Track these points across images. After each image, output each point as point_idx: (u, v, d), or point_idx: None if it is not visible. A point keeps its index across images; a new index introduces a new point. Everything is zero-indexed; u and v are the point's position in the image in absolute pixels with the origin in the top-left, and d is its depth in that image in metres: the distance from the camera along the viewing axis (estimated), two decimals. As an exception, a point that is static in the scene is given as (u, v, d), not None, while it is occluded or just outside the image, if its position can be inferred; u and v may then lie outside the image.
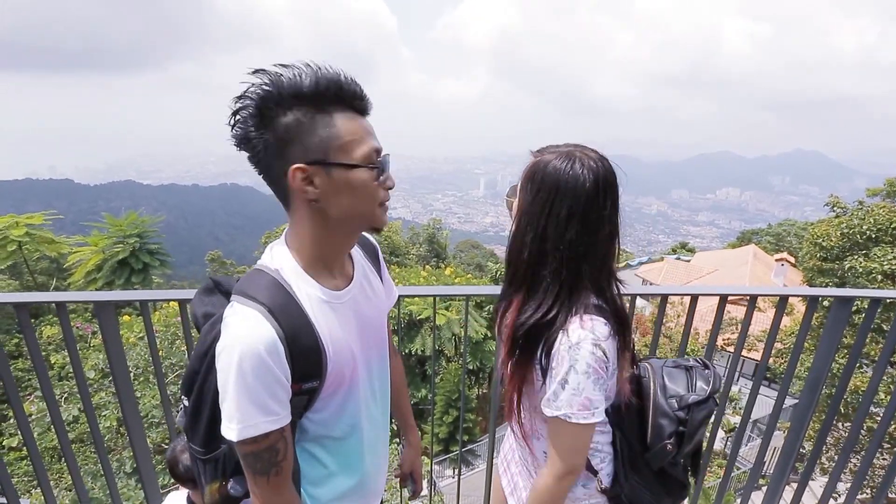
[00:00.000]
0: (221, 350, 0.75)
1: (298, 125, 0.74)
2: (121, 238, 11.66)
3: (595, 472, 1.07)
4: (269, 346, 0.74)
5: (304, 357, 0.79)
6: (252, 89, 0.73)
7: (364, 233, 1.03)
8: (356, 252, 1.00)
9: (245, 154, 0.78)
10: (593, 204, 0.89)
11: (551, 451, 0.97)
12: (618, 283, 0.99)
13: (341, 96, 0.76)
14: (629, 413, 1.07)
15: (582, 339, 0.88)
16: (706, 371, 1.11)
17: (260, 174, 0.80)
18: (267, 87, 0.73)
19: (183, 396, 0.91)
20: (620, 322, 0.94)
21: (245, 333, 0.74)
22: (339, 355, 0.85)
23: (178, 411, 1.03)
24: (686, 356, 1.19)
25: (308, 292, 0.83)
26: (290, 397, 0.80)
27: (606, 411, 1.07)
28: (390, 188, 0.85)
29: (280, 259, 0.84)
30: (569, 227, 0.89)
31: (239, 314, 0.76)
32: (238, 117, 0.75)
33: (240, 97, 0.74)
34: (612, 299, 0.96)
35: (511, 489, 1.24)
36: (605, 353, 0.90)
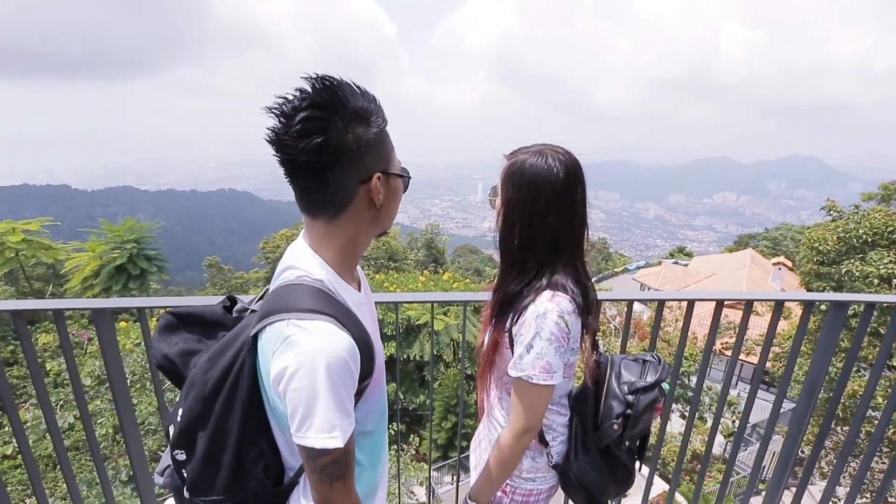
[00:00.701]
0: (301, 368, 0.72)
1: (375, 137, 0.79)
2: (118, 244, 11.63)
3: (546, 445, 1.19)
4: (351, 353, 0.76)
5: (367, 358, 0.82)
6: (319, 98, 0.72)
7: None
8: None
9: (277, 158, 0.76)
10: (566, 192, 1.01)
11: (513, 410, 1.08)
12: (586, 269, 1.10)
13: (385, 114, 0.83)
14: (586, 399, 1.21)
15: (549, 311, 1.00)
16: (658, 364, 1.23)
17: (307, 182, 0.78)
18: (339, 96, 0.74)
19: (178, 451, 0.85)
20: (585, 304, 1.06)
21: (327, 343, 0.74)
22: (379, 351, 0.90)
23: (163, 463, 0.95)
24: (645, 353, 1.30)
25: (350, 297, 0.86)
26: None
27: (568, 396, 1.22)
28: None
29: (317, 270, 0.83)
30: (547, 214, 1.01)
31: (310, 327, 0.74)
32: (307, 125, 0.72)
33: (305, 105, 0.72)
34: (582, 282, 1.07)
35: (475, 464, 1.35)
36: (567, 326, 1.01)
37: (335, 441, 0.75)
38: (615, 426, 1.14)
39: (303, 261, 0.84)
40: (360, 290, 0.92)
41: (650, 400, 1.15)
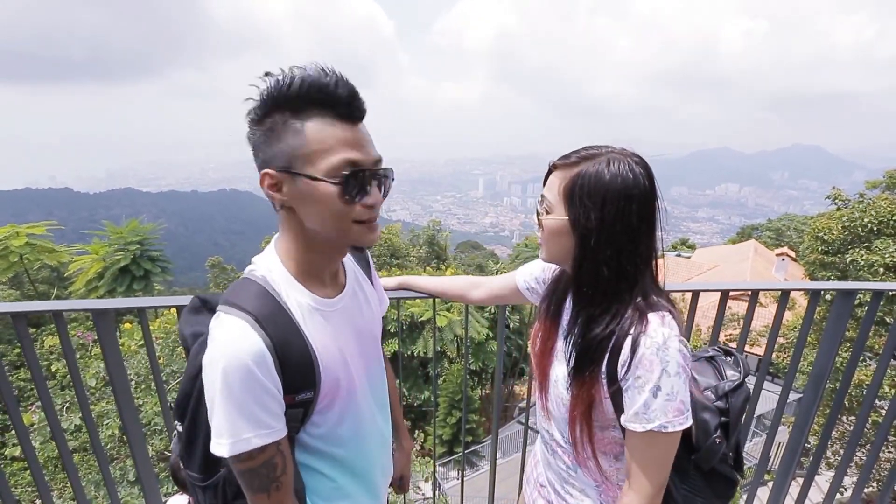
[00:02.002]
0: (207, 363, 0.72)
1: (272, 129, 0.72)
2: (122, 245, 11.67)
3: None
4: (256, 357, 0.71)
5: (296, 367, 0.76)
6: (263, 91, 0.73)
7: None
8: (349, 259, 0.98)
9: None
10: (654, 204, 0.87)
11: (639, 470, 0.87)
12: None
13: (323, 100, 0.71)
14: None
15: (668, 338, 0.82)
16: (729, 357, 1.07)
17: None
18: (261, 90, 0.72)
19: (176, 422, 0.87)
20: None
21: (231, 344, 0.71)
22: (332, 364, 0.82)
23: (172, 436, 1.00)
24: (704, 349, 1.14)
25: (298, 300, 0.80)
26: (283, 409, 0.77)
27: None
28: (370, 206, 0.77)
29: (268, 266, 0.81)
30: (640, 233, 0.86)
31: (225, 325, 0.73)
32: (249, 113, 0.75)
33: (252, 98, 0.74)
34: (665, 292, 0.92)
35: None
36: (686, 348, 0.84)
37: (221, 449, 0.72)
38: (718, 440, 0.96)
39: (263, 258, 0.83)
40: (331, 298, 0.86)
41: (744, 399, 0.99)
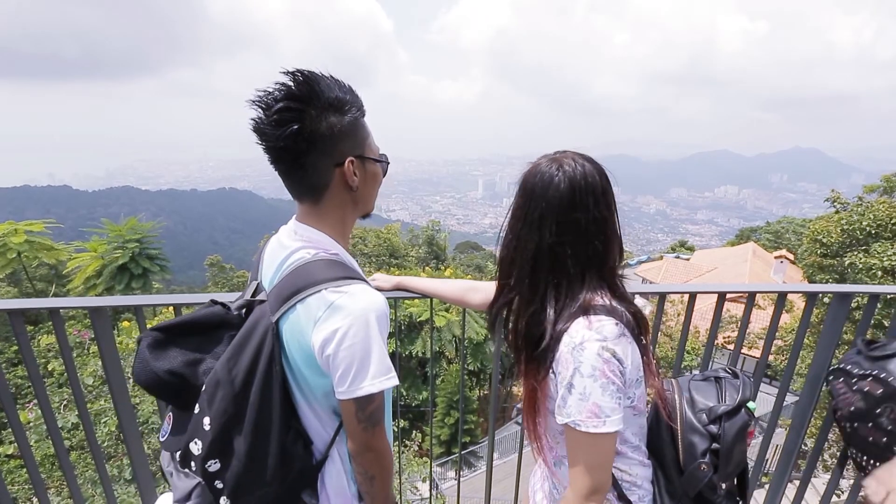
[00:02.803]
0: (352, 325, 0.79)
1: (349, 124, 0.85)
2: (120, 243, 11.65)
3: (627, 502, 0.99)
4: (386, 308, 0.85)
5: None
6: (296, 90, 0.79)
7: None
8: None
9: (261, 146, 0.83)
10: (567, 206, 0.86)
11: (572, 466, 0.89)
12: (623, 287, 0.94)
13: (362, 104, 0.88)
14: (661, 438, 1.00)
15: (586, 340, 0.83)
16: (736, 380, 1.03)
17: (292, 165, 0.84)
18: (315, 89, 0.80)
19: (211, 462, 0.84)
20: (637, 323, 0.89)
21: (371, 300, 0.82)
22: None
23: (182, 490, 0.89)
24: (716, 368, 1.12)
25: (358, 269, 0.93)
26: None
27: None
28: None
29: (331, 246, 0.91)
30: (542, 230, 0.87)
31: (351, 290, 0.81)
32: (284, 114, 0.78)
33: (283, 96, 0.78)
34: (626, 299, 0.91)
35: None
36: (614, 356, 0.82)
37: (392, 380, 0.83)
38: (703, 467, 0.93)
39: (314, 240, 0.90)
40: None
41: (739, 426, 0.94)
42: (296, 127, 0.78)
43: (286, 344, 0.84)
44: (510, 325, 0.98)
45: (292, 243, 0.90)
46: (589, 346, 0.82)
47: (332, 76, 0.83)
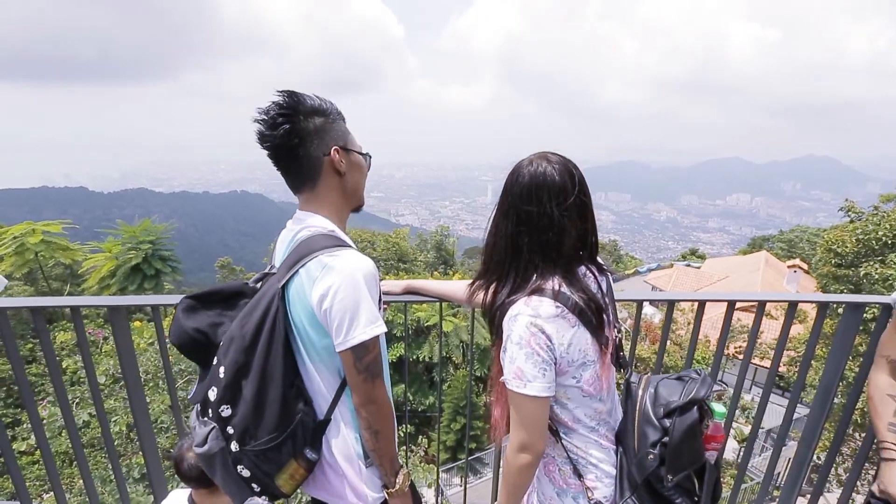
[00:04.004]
0: (343, 281, 0.93)
1: (334, 121, 1.04)
2: (134, 244, 11.85)
3: (580, 478, 1.06)
4: (375, 269, 0.98)
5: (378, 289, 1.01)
6: (285, 102, 0.98)
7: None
8: None
9: (266, 151, 1.00)
10: (525, 200, 0.97)
11: (511, 422, 1.02)
12: (579, 278, 1.01)
13: (341, 112, 1.09)
14: (626, 427, 1.07)
15: (519, 314, 0.96)
16: (700, 379, 1.07)
17: (288, 159, 1.02)
18: (299, 100, 0.99)
19: (224, 407, 0.98)
20: (588, 310, 0.97)
21: (360, 260, 0.96)
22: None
23: (192, 428, 1.06)
24: (692, 368, 1.15)
25: (350, 243, 1.05)
26: None
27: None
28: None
29: (327, 224, 1.04)
30: (508, 219, 1.01)
31: (342, 254, 0.96)
32: (277, 119, 0.97)
33: (275, 106, 0.97)
34: (580, 288, 0.99)
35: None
36: (542, 331, 0.94)
37: (380, 327, 0.96)
38: (651, 456, 0.99)
39: (312, 221, 1.05)
40: None
41: (689, 423, 0.98)
42: (287, 126, 0.97)
43: (291, 306, 0.98)
44: (488, 303, 1.09)
45: (296, 227, 1.06)
46: (521, 318, 0.96)
47: (313, 94, 1.02)
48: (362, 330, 0.94)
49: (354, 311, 0.93)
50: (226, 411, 0.97)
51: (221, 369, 0.97)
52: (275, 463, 0.99)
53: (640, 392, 1.07)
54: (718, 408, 1.03)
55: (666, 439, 0.99)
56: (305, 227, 1.03)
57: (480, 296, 1.10)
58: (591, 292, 1.00)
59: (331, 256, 0.95)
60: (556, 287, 0.98)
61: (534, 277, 1.00)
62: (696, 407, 1.00)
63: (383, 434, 1.02)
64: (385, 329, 0.98)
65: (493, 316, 1.05)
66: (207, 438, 0.99)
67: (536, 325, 0.94)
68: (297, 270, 0.96)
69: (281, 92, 0.98)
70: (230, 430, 0.98)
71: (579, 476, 1.07)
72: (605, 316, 1.02)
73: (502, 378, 1.00)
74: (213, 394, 0.99)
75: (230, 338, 0.98)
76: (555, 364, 0.97)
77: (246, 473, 1.00)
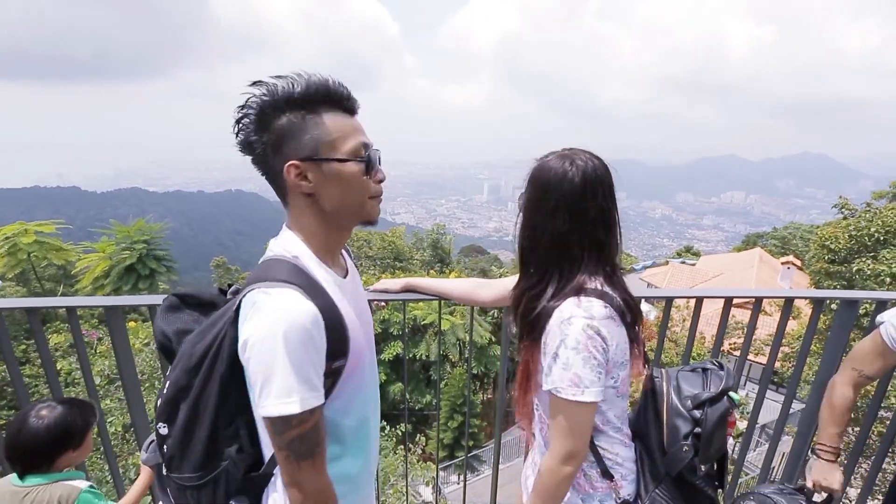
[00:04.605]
0: (261, 333, 0.74)
1: (291, 126, 0.81)
2: (128, 244, 11.76)
3: (611, 479, 1.05)
4: (314, 321, 0.76)
5: (335, 335, 0.81)
6: (251, 98, 0.81)
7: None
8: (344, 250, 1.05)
9: (249, 159, 0.85)
10: (579, 197, 0.94)
11: (551, 431, 0.98)
12: (620, 276, 1.02)
13: (329, 98, 0.83)
14: (647, 422, 1.07)
15: (573, 316, 0.92)
16: (721, 371, 1.11)
17: (263, 175, 0.87)
18: (264, 95, 0.80)
19: (161, 424, 0.86)
20: (628, 309, 0.97)
21: (288, 310, 0.75)
22: (356, 334, 0.88)
23: (147, 440, 1.01)
24: (704, 360, 1.19)
25: (324, 276, 0.87)
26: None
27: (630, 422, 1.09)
28: (381, 181, 0.89)
29: (294, 248, 0.87)
30: (556, 218, 0.96)
31: (275, 295, 0.77)
32: (240, 124, 0.82)
33: (241, 106, 0.81)
34: (620, 286, 0.99)
35: (525, 496, 1.21)
36: (598, 334, 0.91)
37: (292, 406, 0.75)
38: (685, 448, 1.00)
39: (282, 239, 0.89)
40: (343, 277, 0.94)
41: (720, 413, 1.01)
42: (241, 136, 0.83)
43: (239, 333, 0.81)
44: (520, 305, 1.04)
45: (272, 243, 0.91)
46: (576, 321, 0.91)
47: (305, 74, 0.83)
48: (272, 402, 0.75)
49: (266, 377, 0.74)
50: (163, 429, 0.86)
51: (167, 383, 0.86)
52: (213, 497, 0.86)
53: (665, 386, 1.08)
54: (734, 395, 1.06)
55: (697, 430, 1.01)
56: (273, 246, 0.89)
57: (501, 296, 1.09)
58: (629, 291, 1.01)
59: (263, 293, 0.77)
60: (600, 287, 0.96)
61: (578, 277, 0.96)
62: (725, 397, 1.03)
63: None
64: (296, 409, 0.75)
65: (535, 319, 0.98)
66: (149, 447, 0.93)
67: (592, 327, 0.91)
68: (242, 298, 0.81)
69: (252, 83, 0.81)
70: (165, 449, 0.87)
71: (610, 477, 1.04)
72: (640, 314, 1.03)
73: (549, 387, 0.93)
74: (158, 404, 0.89)
75: (181, 353, 0.87)
76: (605, 366, 0.94)
77: (172, 499, 0.89)
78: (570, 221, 0.95)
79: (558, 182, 0.95)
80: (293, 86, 0.80)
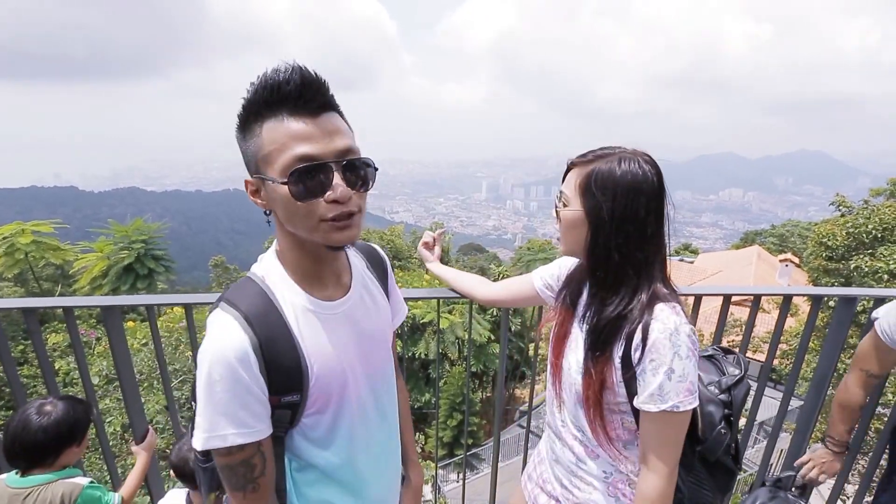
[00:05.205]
0: (199, 357, 0.73)
1: (246, 138, 0.73)
2: (126, 244, 11.74)
3: None
4: (239, 355, 0.71)
5: (282, 369, 0.75)
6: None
7: (373, 245, 1.02)
8: (359, 264, 0.94)
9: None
10: (661, 198, 0.93)
11: (656, 450, 0.92)
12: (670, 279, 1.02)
13: (272, 100, 0.69)
14: None
15: (679, 325, 0.89)
16: (729, 356, 1.14)
17: None
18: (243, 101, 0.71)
19: (192, 402, 0.86)
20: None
21: (217, 341, 0.71)
22: (326, 369, 0.80)
23: (183, 427, 1.05)
24: (706, 347, 1.20)
25: (292, 301, 0.79)
26: (268, 410, 0.76)
27: None
28: (335, 201, 0.71)
29: (267, 267, 0.82)
30: (647, 224, 0.92)
31: (216, 322, 0.73)
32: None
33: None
34: (674, 286, 0.98)
35: None
36: (695, 336, 0.91)
37: (197, 441, 0.73)
38: (723, 431, 1.02)
39: (264, 259, 0.84)
40: (332, 300, 0.84)
41: (745, 392, 1.06)
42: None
43: None
44: (594, 318, 0.98)
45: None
46: (682, 329, 0.89)
47: (276, 68, 0.70)
48: (195, 432, 0.73)
49: (197, 405, 0.74)
50: (194, 405, 0.86)
51: None
52: (205, 483, 0.89)
53: None
54: None
55: (725, 412, 1.04)
56: (258, 262, 0.85)
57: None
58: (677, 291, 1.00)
59: (211, 317, 0.75)
60: (667, 289, 0.95)
61: (652, 284, 0.94)
62: (745, 378, 1.08)
63: None
64: (242, 440, 0.73)
65: (614, 332, 0.93)
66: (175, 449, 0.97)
67: (693, 330, 0.90)
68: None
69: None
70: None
71: None
72: None
73: (665, 406, 0.87)
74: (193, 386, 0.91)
75: None
76: None
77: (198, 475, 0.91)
78: (656, 225, 0.93)
79: (646, 185, 0.90)
80: (250, 87, 0.69)
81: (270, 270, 0.81)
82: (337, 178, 0.71)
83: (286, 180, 0.69)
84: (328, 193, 0.70)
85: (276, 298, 0.78)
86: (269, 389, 0.75)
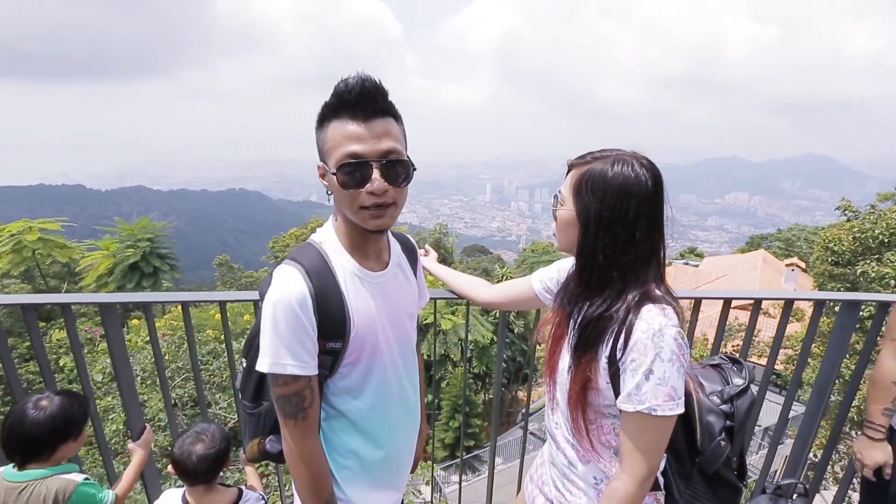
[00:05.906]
0: (265, 301, 0.88)
1: (317, 131, 0.90)
2: (132, 242, 11.82)
3: (660, 490, 1.03)
4: (299, 299, 0.86)
5: (331, 317, 0.90)
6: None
7: (407, 235, 1.20)
8: (396, 247, 1.11)
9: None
10: (655, 202, 0.92)
11: (630, 452, 0.91)
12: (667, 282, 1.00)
13: (338, 105, 0.86)
14: (675, 425, 1.02)
15: (664, 326, 0.86)
16: (736, 366, 1.12)
17: None
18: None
19: (243, 358, 1.04)
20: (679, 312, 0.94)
21: (283, 285, 0.87)
22: (364, 325, 0.95)
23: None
24: (711, 356, 1.19)
25: (343, 265, 0.95)
26: (317, 351, 0.90)
27: None
28: (372, 192, 0.87)
29: (325, 236, 0.98)
30: (636, 227, 0.91)
31: (282, 272, 0.89)
32: None
33: None
34: (672, 294, 0.96)
35: None
36: (685, 341, 0.88)
37: (262, 364, 0.87)
38: (722, 443, 0.99)
39: (323, 229, 1.01)
40: (374, 271, 0.99)
41: (749, 404, 1.03)
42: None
43: None
44: (579, 318, 0.97)
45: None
46: (668, 331, 0.86)
47: (348, 79, 0.87)
48: (260, 358, 0.88)
49: (261, 337, 0.88)
50: (243, 363, 1.04)
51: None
52: (249, 429, 1.05)
53: (691, 384, 1.04)
54: (753, 387, 1.10)
55: (727, 423, 1.01)
56: (317, 232, 1.02)
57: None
58: (673, 293, 0.98)
59: (278, 269, 0.91)
60: (660, 292, 0.93)
61: (647, 283, 0.92)
62: (750, 389, 1.05)
63: (297, 480, 0.95)
64: (299, 371, 0.87)
65: (601, 331, 0.92)
66: (241, 375, 1.09)
67: (681, 334, 0.87)
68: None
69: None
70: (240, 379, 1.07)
71: (658, 488, 1.02)
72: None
73: (640, 407, 0.86)
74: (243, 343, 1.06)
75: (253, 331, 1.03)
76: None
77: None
78: (648, 227, 0.91)
79: (638, 187, 0.89)
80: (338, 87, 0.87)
81: (327, 239, 0.97)
82: (376, 174, 0.87)
83: (336, 171, 0.86)
84: (367, 186, 0.87)
85: (330, 261, 0.94)
86: (318, 333, 0.90)
